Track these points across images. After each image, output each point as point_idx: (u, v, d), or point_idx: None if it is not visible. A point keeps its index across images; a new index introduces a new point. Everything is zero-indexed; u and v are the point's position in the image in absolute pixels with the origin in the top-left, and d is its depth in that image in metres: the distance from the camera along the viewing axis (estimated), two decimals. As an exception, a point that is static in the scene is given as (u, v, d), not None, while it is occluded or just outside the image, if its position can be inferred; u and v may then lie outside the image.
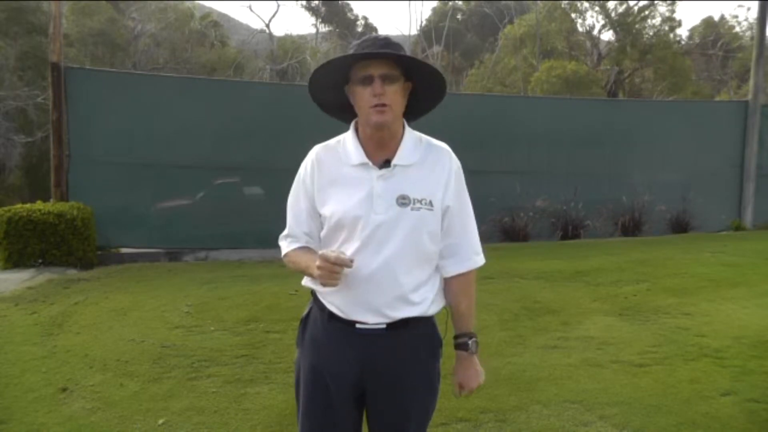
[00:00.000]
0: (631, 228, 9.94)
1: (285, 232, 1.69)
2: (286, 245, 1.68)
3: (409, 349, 1.58)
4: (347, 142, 1.60)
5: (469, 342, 1.64)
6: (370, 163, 1.55)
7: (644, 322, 4.67)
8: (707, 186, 10.51)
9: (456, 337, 1.66)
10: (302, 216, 1.64)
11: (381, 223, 1.51)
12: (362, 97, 1.51)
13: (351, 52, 1.53)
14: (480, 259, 1.67)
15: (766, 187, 10.98)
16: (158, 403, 3.19)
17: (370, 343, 1.55)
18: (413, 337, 1.58)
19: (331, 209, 1.56)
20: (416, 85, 1.59)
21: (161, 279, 6.50)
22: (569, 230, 9.59)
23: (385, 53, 1.48)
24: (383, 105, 1.49)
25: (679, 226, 10.20)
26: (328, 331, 1.59)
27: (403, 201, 1.53)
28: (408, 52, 1.58)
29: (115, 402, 3.20)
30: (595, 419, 2.98)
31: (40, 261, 6.94)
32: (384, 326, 1.55)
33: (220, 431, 2.90)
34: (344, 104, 1.61)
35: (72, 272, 6.82)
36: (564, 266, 6.80)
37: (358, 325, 1.55)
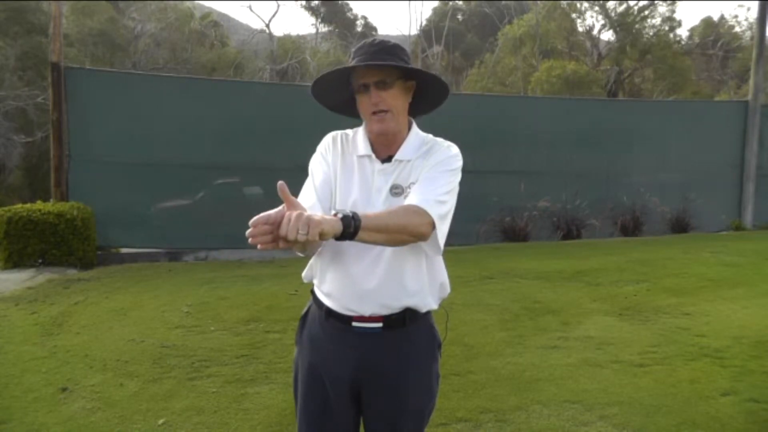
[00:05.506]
0: (632, 228, 9.93)
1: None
2: None
3: (407, 350, 1.57)
4: (359, 134, 1.64)
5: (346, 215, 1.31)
6: (374, 156, 1.58)
7: (644, 322, 4.66)
8: (707, 186, 10.50)
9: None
10: (321, 182, 1.59)
11: None
12: (362, 103, 1.56)
13: (350, 58, 1.57)
14: (431, 210, 1.44)
15: (766, 187, 10.97)
16: (158, 403, 3.19)
17: (367, 343, 1.55)
18: (411, 337, 1.58)
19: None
20: (419, 83, 1.60)
21: (161, 279, 6.49)
22: (569, 230, 9.58)
23: (369, 64, 1.50)
24: (382, 111, 1.52)
25: (679, 226, 10.19)
26: (326, 330, 1.59)
27: (396, 191, 1.55)
28: (408, 52, 1.60)
29: (115, 402, 3.20)
30: (595, 419, 2.98)
31: (40, 261, 6.94)
32: (380, 326, 1.54)
33: (220, 431, 2.90)
34: (352, 103, 1.62)
35: (72, 272, 6.81)
36: (564, 266, 6.79)
37: (354, 323, 1.55)
